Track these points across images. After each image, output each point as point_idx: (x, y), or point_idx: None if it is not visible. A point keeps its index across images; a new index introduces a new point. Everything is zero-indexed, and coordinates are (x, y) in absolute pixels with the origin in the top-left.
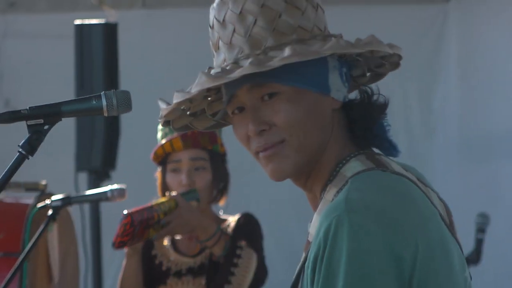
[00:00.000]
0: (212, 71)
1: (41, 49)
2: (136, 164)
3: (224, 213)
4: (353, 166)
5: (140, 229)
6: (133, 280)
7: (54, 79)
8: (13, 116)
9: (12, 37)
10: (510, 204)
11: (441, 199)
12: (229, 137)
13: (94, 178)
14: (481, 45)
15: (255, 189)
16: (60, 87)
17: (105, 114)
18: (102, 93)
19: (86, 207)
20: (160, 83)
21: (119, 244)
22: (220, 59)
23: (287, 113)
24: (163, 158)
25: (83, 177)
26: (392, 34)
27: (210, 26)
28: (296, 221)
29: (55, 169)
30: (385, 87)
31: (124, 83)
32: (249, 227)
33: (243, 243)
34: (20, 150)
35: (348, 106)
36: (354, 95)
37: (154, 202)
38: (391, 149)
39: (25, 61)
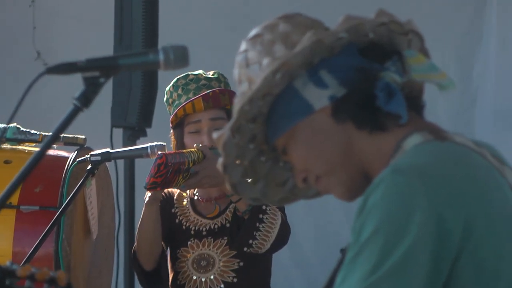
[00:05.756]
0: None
1: (79, 3)
2: None
3: None
4: (414, 139)
5: (172, 173)
6: (153, 228)
7: (91, 33)
8: (69, 68)
9: None
10: None
11: None
12: None
13: (129, 134)
14: None
15: None
16: (98, 41)
17: (162, 69)
18: (160, 47)
19: (120, 163)
20: (198, 42)
21: (151, 185)
22: None
23: (297, 160)
24: (180, 120)
25: (119, 133)
26: (432, 2)
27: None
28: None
29: (90, 125)
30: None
31: (163, 41)
32: None
33: None
34: (76, 102)
35: (342, 100)
36: None
37: (184, 150)
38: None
39: (62, 15)
